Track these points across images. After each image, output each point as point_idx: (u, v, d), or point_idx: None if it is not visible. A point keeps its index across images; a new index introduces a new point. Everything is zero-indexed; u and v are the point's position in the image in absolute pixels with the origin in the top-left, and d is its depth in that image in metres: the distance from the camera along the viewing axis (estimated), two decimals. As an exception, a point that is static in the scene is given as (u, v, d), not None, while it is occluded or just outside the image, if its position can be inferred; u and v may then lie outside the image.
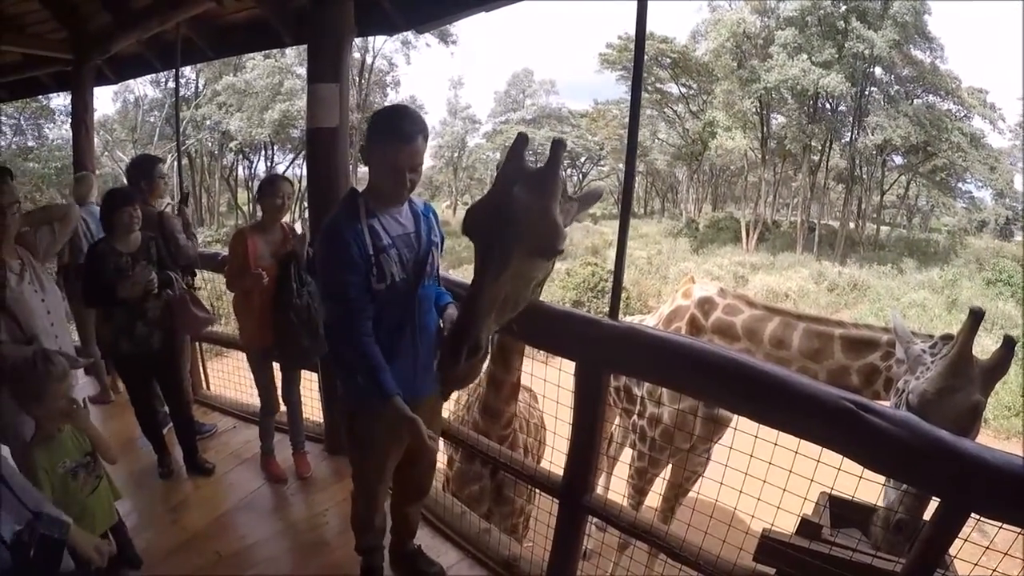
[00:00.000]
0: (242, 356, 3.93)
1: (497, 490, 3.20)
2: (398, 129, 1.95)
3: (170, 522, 3.34)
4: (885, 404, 2.02)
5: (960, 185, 29.17)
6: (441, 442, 2.77)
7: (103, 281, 3.30)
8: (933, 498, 1.95)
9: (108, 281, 3.30)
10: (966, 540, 1.70)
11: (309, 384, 4.23)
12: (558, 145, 1.97)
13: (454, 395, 2.97)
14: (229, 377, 5.03)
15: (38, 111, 27.12)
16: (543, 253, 1.95)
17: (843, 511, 2.36)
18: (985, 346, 2.35)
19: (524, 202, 1.87)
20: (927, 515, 2.10)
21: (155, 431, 3.74)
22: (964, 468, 1.57)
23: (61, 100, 25.33)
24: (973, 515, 1.62)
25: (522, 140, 2.01)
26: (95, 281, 3.34)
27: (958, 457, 1.57)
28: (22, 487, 1.74)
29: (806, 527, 2.12)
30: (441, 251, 2.25)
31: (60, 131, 27.53)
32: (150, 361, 3.53)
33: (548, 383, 2.62)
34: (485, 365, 2.75)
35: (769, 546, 2.04)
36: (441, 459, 2.84)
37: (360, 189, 2.13)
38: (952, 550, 1.77)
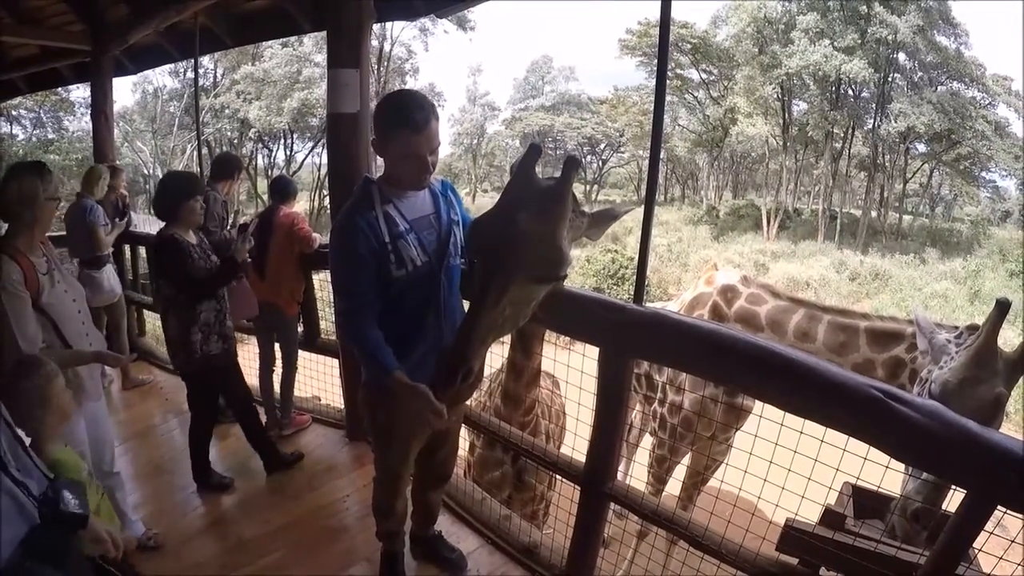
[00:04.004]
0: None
1: (518, 476, 3.20)
2: (412, 119, 1.88)
3: (192, 507, 3.39)
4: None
5: (984, 174, 28.61)
6: (463, 428, 2.77)
7: (197, 273, 3.17)
8: (952, 489, 1.93)
9: (201, 272, 3.19)
10: (991, 534, 1.67)
11: (330, 371, 4.28)
12: (571, 164, 1.86)
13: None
14: (251, 363, 5.04)
15: (57, 104, 27.48)
16: (545, 279, 1.88)
17: (867, 501, 2.34)
18: (1007, 339, 2.31)
19: (528, 229, 1.79)
20: (945, 507, 2.09)
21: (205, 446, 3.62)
22: (992, 459, 1.54)
23: (81, 93, 25.72)
24: (999, 508, 1.59)
25: (534, 153, 1.89)
26: (191, 275, 3.17)
27: (986, 448, 1.54)
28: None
29: (829, 517, 2.11)
30: (465, 227, 2.17)
31: (80, 123, 28.02)
32: (231, 358, 3.43)
33: (571, 368, 2.60)
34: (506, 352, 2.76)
35: (792, 536, 2.03)
36: (463, 445, 2.85)
37: (375, 176, 2.10)
38: (976, 543, 1.74)
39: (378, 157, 2.06)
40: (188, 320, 3.18)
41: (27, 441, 2.08)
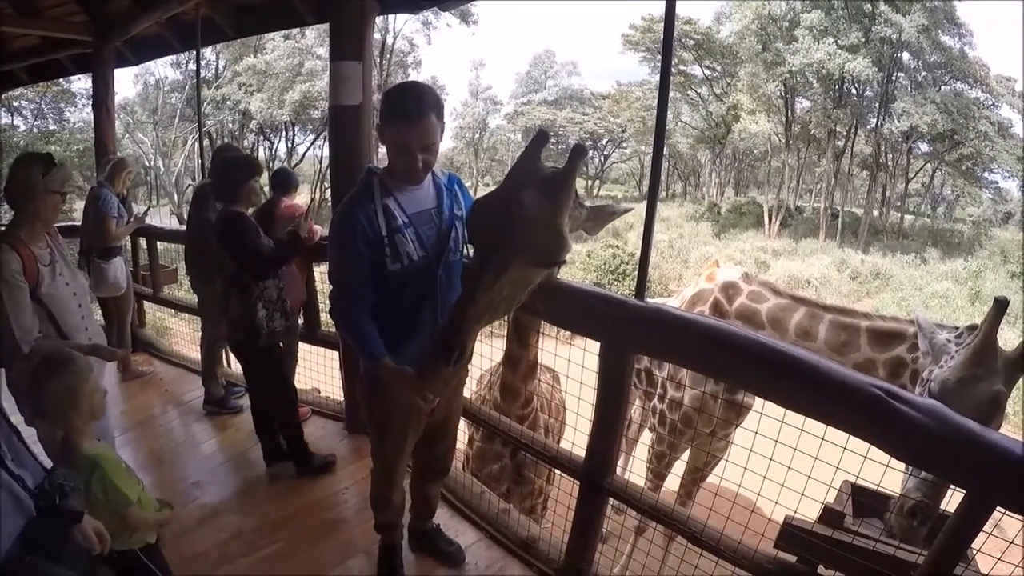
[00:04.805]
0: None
1: (517, 470, 3.20)
2: (405, 109, 1.87)
3: (191, 499, 3.38)
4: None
5: (986, 175, 28.51)
6: (462, 421, 2.76)
7: (265, 250, 3.24)
8: (951, 487, 1.92)
9: (266, 249, 3.24)
10: (990, 534, 1.67)
11: (330, 363, 4.27)
12: (578, 151, 1.83)
13: (474, 374, 2.96)
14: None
15: (59, 95, 27.53)
16: (544, 263, 1.86)
17: (866, 500, 2.34)
18: (1006, 339, 2.30)
19: (532, 210, 1.76)
20: (944, 507, 2.08)
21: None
22: (992, 460, 1.53)
23: (82, 84, 25.88)
24: (998, 509, 1.58)
25: (542, 138, 1.88)
26: (260, 250, 3.24)
27: (986, 449, 1.53)
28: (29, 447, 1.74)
29: (828, 515, 2.11)
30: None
31: (81, 114, 28.07)
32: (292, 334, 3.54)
33: (572, 363, 2.60)
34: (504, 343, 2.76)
35: (791, 533, 2.03)
36: (461, 438, 2.84)
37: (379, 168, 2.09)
38: (975, 544, 1.74)
39: (380, 148, 2.06)
40: (253, 297, 3.25)
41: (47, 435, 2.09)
